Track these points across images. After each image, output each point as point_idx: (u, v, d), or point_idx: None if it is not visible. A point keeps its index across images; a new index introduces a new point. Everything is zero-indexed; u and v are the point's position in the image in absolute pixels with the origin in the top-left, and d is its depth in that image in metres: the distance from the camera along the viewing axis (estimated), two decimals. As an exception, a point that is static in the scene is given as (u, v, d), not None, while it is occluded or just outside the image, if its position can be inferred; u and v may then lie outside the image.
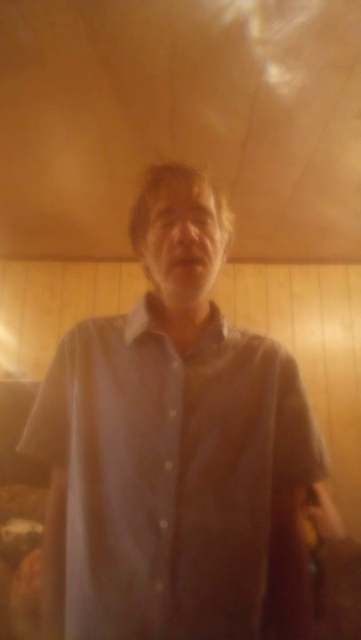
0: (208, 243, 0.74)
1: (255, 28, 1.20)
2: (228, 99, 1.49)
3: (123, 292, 2.91)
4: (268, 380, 0.76)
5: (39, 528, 2.05)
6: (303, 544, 0.77)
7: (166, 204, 0.75)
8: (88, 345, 0.79)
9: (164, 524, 0.65)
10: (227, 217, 0.82)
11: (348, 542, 1.96)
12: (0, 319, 2.83)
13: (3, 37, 1.25)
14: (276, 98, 1.46)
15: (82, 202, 2.18)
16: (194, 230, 0.72)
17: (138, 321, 0.79)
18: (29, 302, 2.88)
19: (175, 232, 0.72)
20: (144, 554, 0.64)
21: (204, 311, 0.82)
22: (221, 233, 0.79)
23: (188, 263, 0.72)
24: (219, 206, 0.79)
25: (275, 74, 1.36)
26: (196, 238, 0.72)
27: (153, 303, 0.83)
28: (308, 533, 2.03)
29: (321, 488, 2.14)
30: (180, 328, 0.79)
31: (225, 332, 0.80)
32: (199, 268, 0.73)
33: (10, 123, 1.61)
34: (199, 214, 0.75)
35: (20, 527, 2.01)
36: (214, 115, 1.56)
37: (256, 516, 0.69)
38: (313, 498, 2.14)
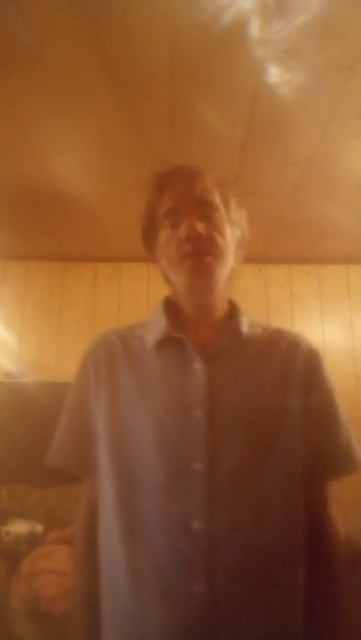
0: (217, 236, 0.75)
1: (255, 28, 1.20)
2: (228, 99, 1.49)
3: (123, 292, 2.91)
4: (292, 374, 0.76)
5: (39, 528, 2.05)
6: (336, 539, 0.76)
7: (172, 203, 0.76)
8: (111, 355, 0.80)
9: (197, 525, 0.64)
10: (236, 212, 0.82)
11: (349, 542, 1.96)
12: (0, 319, 2.83)
13: (3, 37, 1.25)
14: (276, 98, 1.46)
15: (82, 202, 2.18)
16: (200, 225, 0.73)
17: (157, 326, 0.80)
18: (29, 302, 2.88)
19: (182, 229, 0.73)
20: (180, 557, 0.64)
21: (221, 309, 0.82)
22: (231, 228, 0.80)
23: (197, 255, 0.73)
24: (226, 202, 0.80)
25: (275, 74, 1.36)
26: (203, 232, 0.73)
27: (171, 307, 0.83)
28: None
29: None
30: (199, 329, 0.78)
31: (244, 328, 0.79)
32: (208, 259, 0.74)
33: (10, 123, 1.61)
34: (205, 209, 0.76)
35: (20, 527, 2.02)
36: (214, 115, 1.56)
37: (289, 513, 0.69)
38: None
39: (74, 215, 2.34)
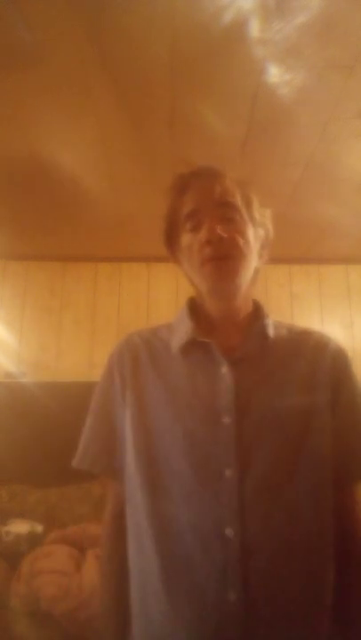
0: (238, 238, 0.74)
1: (255, 28, 1.20)
2: (228, 99, 1.49)
3: (123, 292, 2.91)
4: (320, 376, 0.75)
5: (39, 528, 2.05)
6: None
7: (192, 205, 0.76)
8: (136, 358, 0.80)
9: (230, 532, 0.64)
10: (259, 212, 0.81)
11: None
12: (0, 319, 2.83)
13: (3, 37, 1.25)
14: (276, 98, 1.46)
15: (82, 201, 2.18)
16: (221, 228, 0.72)
17: (182, 329, 0.79)
18: (29, 302, 2.88)
19: (203, 232, 0.73)
20: (213, 563, 0.64)
21: (246, 310, 0.81)
22: (254, 228, 0.79)
23: (218, 259, 0.73)
24: (248, 202, 0.79)
25: (275, 74, 1.36)
26: (224, 235, 0.72)
27: (196, 309, 0.82)
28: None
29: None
30: (224, 331, 0.78)
31: (270, 331, 0.78)
32: (230, 262, 0.73)
33: (10, 123, 1.61)
34: (226, 211, 0.75)
35: (20, 527, 2.02)
36: (214, 115, 1.56)
37: (320, 516, 0.68)
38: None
39: (74, 215, 2.34)
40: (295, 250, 2.82)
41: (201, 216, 0.75)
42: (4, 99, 1.49)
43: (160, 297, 2.88)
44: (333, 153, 1.76)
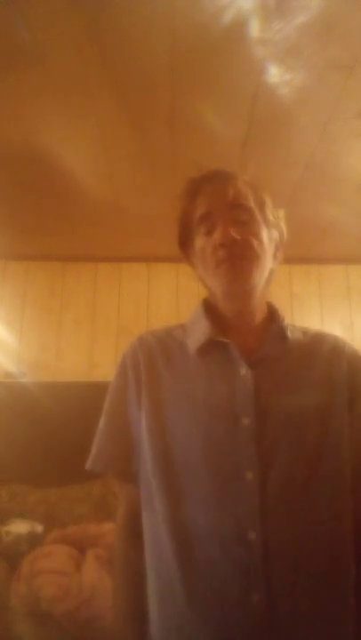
0: (252, 240, 0.74)
1: (255, 28, 1.21)
2: (228, 99, 1.49)
3: (123, 292, 2.91)
4: (337, 379, 0.75)
5: (39, 528, 2.05)
6: None
7: (205, 208, 0.76)
8: (151, 358, 0.79)
9: (252, 534, 0.64)
10: (273, 213, 0.81)
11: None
12: (0, 319, 2.83)
13: (3, 37, 1.25)
14: (276, 98, 1.46)
15: (82, 201, 2.19)
16: (234, 230, 0.72)
17: (199, 329, 0.78)
18: (29, 302, 2.88)
19: (216, 235, 0.73)
20: (236, 566, 0.63)
21: (261, 313, 0.81)
22: (268, 230, 0.79)
23: (232, 260, 0.72)
24: (261, 203, 0.79)
25: (275, 74, 1.36)
26: (238, 237, 0.72)
27: (211, 310, 0.82)
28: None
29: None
30: (240, 333, 0.77)
31: (288, 333, 0.78)
32: (243, 263, 0.73)
33: (10, 123, 1.61)
34: (238, 213, 0.75)
35: (20, 527, 2.01)
36: (214, 115, 1.56)
37: (340, 518, 0.68)
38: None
39: (74, 215, 2.34)
40: (295, 250, 2.82)
41: (214, 219, 0.75)
42: (4, 99, 1.49)
43: (160, 297, 2.88)
44: (333, 153, 1.76)
